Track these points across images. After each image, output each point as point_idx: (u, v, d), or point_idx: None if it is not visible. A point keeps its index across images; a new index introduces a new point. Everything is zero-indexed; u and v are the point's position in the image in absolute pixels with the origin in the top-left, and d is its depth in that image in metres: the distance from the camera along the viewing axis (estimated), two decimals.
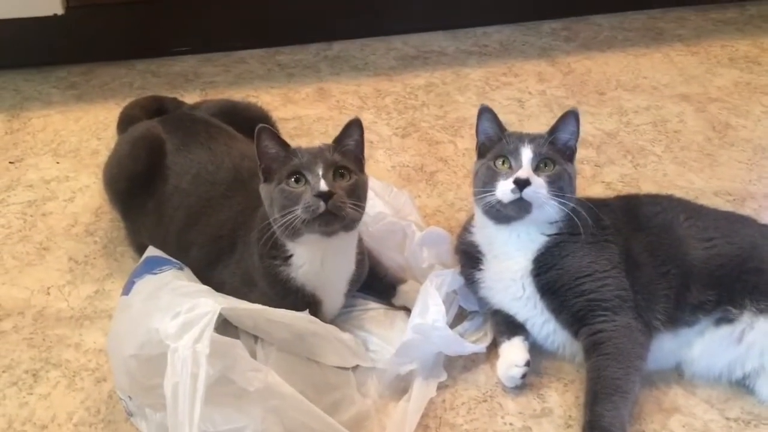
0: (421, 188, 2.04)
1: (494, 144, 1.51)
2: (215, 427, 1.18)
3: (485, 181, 1.47)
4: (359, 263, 1.55)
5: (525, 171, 1.41)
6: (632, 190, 2.03)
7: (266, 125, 1.42)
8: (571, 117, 1.48)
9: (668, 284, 1.46)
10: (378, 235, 1.68)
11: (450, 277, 1.54)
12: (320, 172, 1.36)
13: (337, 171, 1.39)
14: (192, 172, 1.64)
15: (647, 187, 2.05)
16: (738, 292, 1.43)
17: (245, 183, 1.59)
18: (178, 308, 1.16)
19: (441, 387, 1.44)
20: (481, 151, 1.53)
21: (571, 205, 1.44)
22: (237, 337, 1.42)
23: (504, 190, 1.41)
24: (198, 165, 1.64)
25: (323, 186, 1.34)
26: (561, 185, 1.43)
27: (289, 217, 1.33)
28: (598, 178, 2.09)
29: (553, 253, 1.46)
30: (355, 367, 1.46)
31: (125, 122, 1.96)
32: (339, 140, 1.47)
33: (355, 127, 1.47)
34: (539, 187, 1.41)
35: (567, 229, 1.46)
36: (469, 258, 1.56)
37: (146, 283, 1.37)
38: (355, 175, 1.43)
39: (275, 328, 1.38)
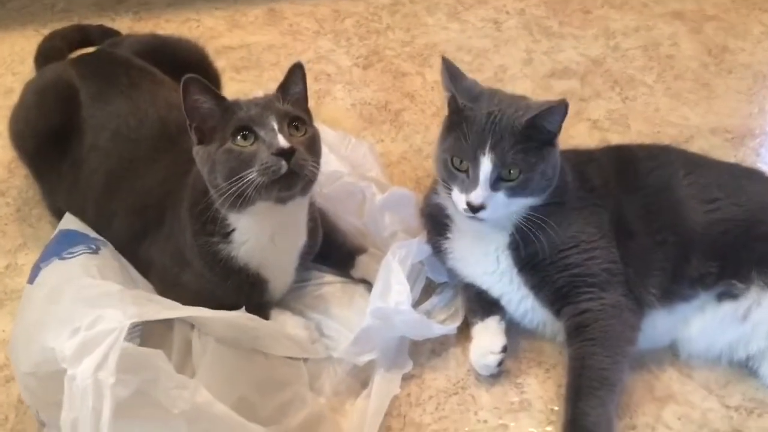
0: (385, 131, 1.81)
1: (464, 95, 1.25)
2: None
3: (444, 177, 1.27)
4: (311, 232, 1.34)
5: (479, 195, 1.19)
6: (621, 128, 1.84)
7: (194, 75, 1.16)
8: (556, 110, 1.20)
9: (665, 255, 1.28)
10: (333, 197, 1.47)
11: (415, 247, 1.34)
12: (275, 126, 1.14)
13: (291, 123, 1.17)
14: (111, 127, 1.40)
15: (637, 125, 1.84)
16: (744, 263, 1.26)
17: (174, 140, 1.36)
18: (78, 322, 0.95)
19: (406, 377, 1.28)
20: (452, 107, 1.26)
21: (545, 195, 1.24)
22: (170, 322, 1.23)
23: (459, 201, 1.23)
24: (117, 119, 1.40)
25: (282, 142, 1.11)
26: (530, 189, 1.22)
27: (240, 183, 1.10)
28: (583, 114, 1.87)
29: (535, 221, 1.25)
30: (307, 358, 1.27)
31: (44, 56, 1.71)
32: (284, 88, 1.24)
33: (299, 72, 1.24)
34: (497, 207, 1.21)
35: (548, 198, 1.25)
36: (435, 224, 1.36)
37: (52, 272, 1.17)
38: (310, 128, 1.21)
39: (211, 323, 1.18)
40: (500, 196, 1.20)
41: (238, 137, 1.14)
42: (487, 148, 1.18)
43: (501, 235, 1.27)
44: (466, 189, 1.21)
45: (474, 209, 1.19)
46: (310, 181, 1.18)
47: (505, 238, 1.27)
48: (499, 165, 1.18)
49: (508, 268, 1.29)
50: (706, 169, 1.38)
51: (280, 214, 1.22)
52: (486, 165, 1.18)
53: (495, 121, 1.20)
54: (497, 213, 1.21)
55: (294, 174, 1.12)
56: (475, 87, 1.28)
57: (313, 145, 1.20)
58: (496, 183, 1.19)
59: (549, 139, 1.22)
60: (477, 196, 1.19)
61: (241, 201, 1.13)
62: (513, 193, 1.20)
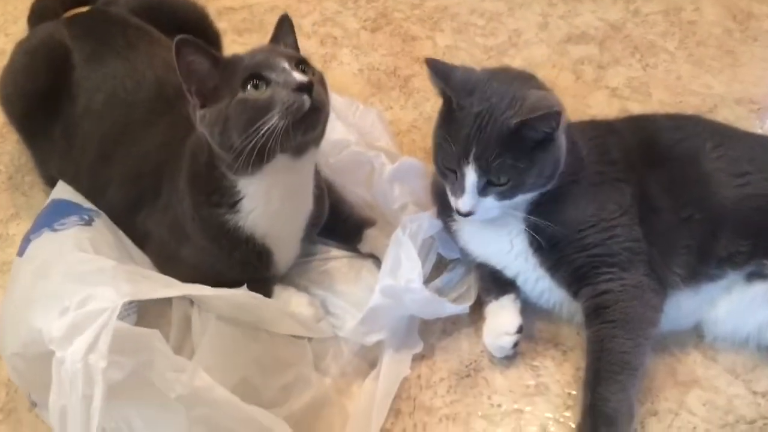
0: (394, 98, 1.72)
1: (459, 91, 1.13)
2: None
3: (437, 172, 1.21)
4: (318, 200, 1.27)
5: (465, 203, 1.14)
6: (641, 97, 1.75)
7: (185, 36, 1.07)
8: (548, 117, 1.08)
9: (690, 232, 1.20)
10: (340, 168, 1.39)
11: (426, 221, 1.27)
12: (286, 66, 1.06)
13: (298, 66, 1.09)
14: (106, 89, 1.32)
15: (658, 94, 1.75)
16: None
17: (171, 103, 1.28)
18: (68, 301, 0.88)
19: (416, 358, 1.21)
20: (448, 104, 1.15)
21: (552, 183, 1.15)
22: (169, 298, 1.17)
23: (451, 202, 1.17)
24: (113, 81, 1.32)
25: (300, 77, 1.03)
26: (524, 190, 1.14)
27: (260, 132, 1.02)
28: (602, 82, 1.78)
29: (548, 203, 1.19)
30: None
31: (38, 15, 1.61)
32: (275, 40, 1.17)
33: (287, 23, 1.18)
34: (487, 211, 1.15)
35: (558, 181, 1.17)
36: (444, 203, 1.27)
37: (42, 245, 1.10)
38: (316, 70, 1.13)
39: (211, 300, 1.11)
40: (490, 200, 1.13)
41: (249, 87, 1.05)
42: (471, 158, 1.10)
43: (513, 218, 1.19)
44: (455, 193, 1.15)
45: (464, 215, 1.14)
46: (326, 121, 1.12)
47: (518, 222, 1.19)
48: (484, 173, 1.10)
49: (523, 249, 1.21)
50: (735, 141, 1.29)
51: (293, 173, 1.14)
52: (471, 175, 1.11)
53: (481, 125, 1.09)
54: (490, 215, 1.16)
55: (317, 110, 1.05)
56: (470, 77, 1.15)
57: (324, 85, 1.13)
58: (484, 189, 1.12)
59: (546, 136, 1.11)
60: (464, 204, 1.13)
61: (263, 155, 1.04)
62: (504, 197, 1.13)
